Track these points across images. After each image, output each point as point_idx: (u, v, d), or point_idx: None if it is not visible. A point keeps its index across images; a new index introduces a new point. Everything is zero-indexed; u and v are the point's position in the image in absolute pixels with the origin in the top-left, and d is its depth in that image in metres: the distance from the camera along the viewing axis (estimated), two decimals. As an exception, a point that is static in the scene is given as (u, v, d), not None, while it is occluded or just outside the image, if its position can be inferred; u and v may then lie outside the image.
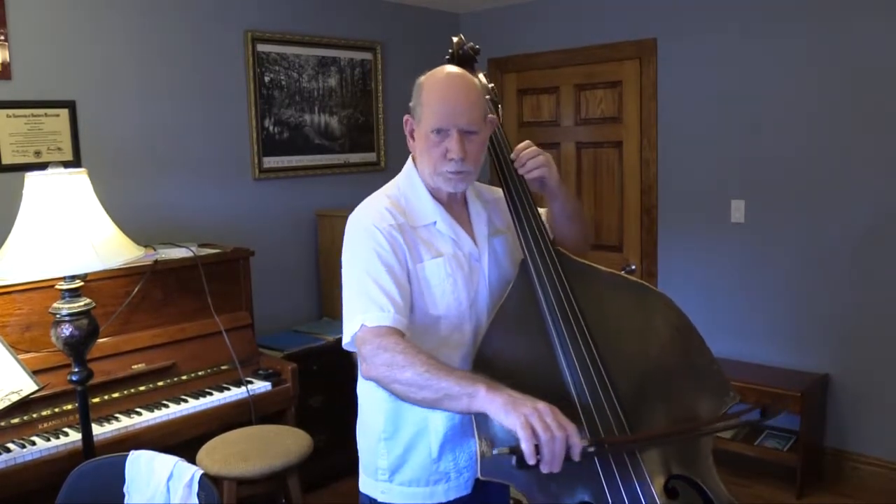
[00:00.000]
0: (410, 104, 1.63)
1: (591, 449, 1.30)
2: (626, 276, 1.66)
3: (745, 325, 3.84)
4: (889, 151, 3.34)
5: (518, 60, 4.62)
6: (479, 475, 1.44)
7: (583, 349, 1.51)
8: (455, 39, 1.92)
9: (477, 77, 1.79)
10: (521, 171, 1.69)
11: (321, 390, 3.51)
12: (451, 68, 1.63)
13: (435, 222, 1.63)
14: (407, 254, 1.56)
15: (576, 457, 1.25)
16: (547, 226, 1.81)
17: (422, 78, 1.63)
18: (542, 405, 1.26)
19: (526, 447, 1.22)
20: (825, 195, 3.54)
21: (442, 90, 1.57)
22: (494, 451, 1.24)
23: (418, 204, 1.63)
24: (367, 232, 1.57)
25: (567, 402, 1.47)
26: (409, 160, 1.70)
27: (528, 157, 1.68)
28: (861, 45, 3.37)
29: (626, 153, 4.24)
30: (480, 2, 4.55)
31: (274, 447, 2.62)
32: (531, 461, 1.22)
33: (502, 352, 1.54)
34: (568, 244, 1.79)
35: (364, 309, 1.48)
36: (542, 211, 1.84)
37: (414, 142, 1.64)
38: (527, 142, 1.74)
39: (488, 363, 1.52)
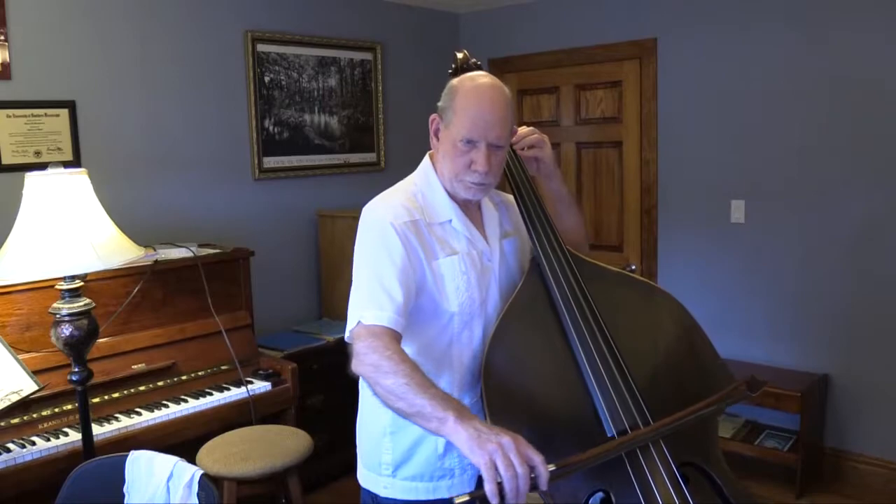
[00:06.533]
0: (439, 104, 1.64)
1: (557, 473, 1.29)
2: (631, 275, 1.71)
3: (745, 325, 3.84)
4: (889, 151, 3.34)
5: (518, 60, 4.62)
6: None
7: (601, 342, 1.54)
8: (460, 56, 1.93)
9: None
10: (516, 147, 1.75)
11: (321, 390, 3.51)
12: (489, 78, 1.63)
13: (450, 220, 1.65)
14: (421, 252, 1.57)
15: (542, 486, 1.24)
16: None
17: (456, 80, 1.64)
18: (506, 439, 1.23)
19: (488, 488, 1.21)
20: (825, 195, 3.53)
21: (478, 101, 1.57)
22: (456, 500, 1.23)
23: (435, 202, 1.65)
24: (380, 228, 1.57)
25: (581, 392, 1.50)
26: (427, 157, 1.71)
27: (521, 136, 1.76)
28: (861, 47, 3.37)
29: (626, 153, 4.24)
30: (480, 2, 4.55)
31: (274, 447, 2.62)
32: (494, 501, 1.21)
33: (515, 346, 1.57)
34: (569, 234, 1.82)
35: (364, 306, 1.50)
36: None
37: (438, 142, 1.65)
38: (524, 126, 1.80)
39: (501, 356, 1.54)
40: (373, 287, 1.52)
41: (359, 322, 1.49)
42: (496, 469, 1.21)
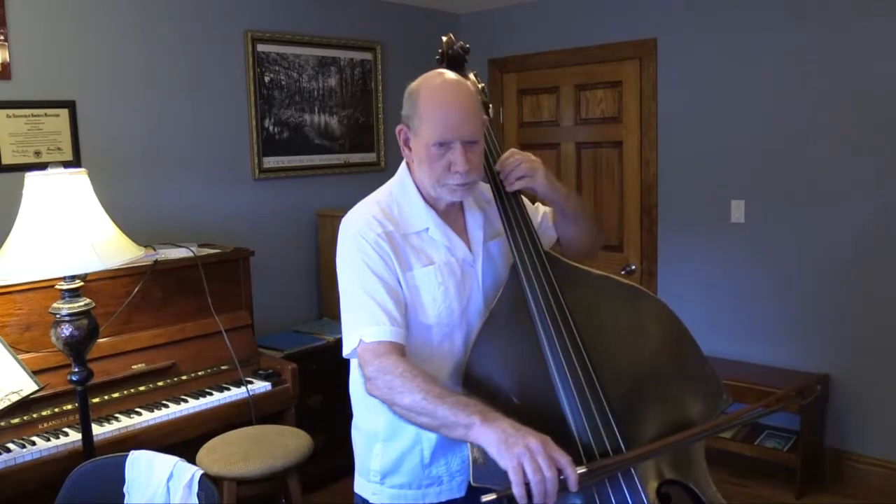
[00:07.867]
0: (403, 112, 1.57)
1: (587, 476, 1.27)
2: (619, 279, 1.62)
3: (745, 325, 3.84)
4: (889, 151, 3.34)
5: (518, 60, 4.62)
6: (471, 482, 1.41)
7: (572, 353, 1.47)
8: (444, 39, 1.87)
9: (468, 78, 1.76)
10: (506, 186, 1.64)
11: (321, 390, 3.51)
12: (447, 75, 1.56)
13: (427, 229, 1.59)
14: (395, 263, 1.53)
15: (572, 487, 1.23)
16: (550, 223, 1.79)
17: (414, 85, 1.56)
18: (533, 442, 1.22)
19: (517, 491, 1.20)
20: (825, 195, 3.53)
21: (442, 101, 1.51)
22: (483, 499, 1.21)
23: (410, 211, 1.59)
24: (354, 242, 1.55)
25: (555, 409, 1.44)
26: (403, 165, 1.65)
27: (510, 168, 1.64)
28: (861, 45, 3.37)
29: (626, 153, 4.23)
30: (480, 2, 4.55)
31: (274, 447, 2.62)
32: (522, 503, 1.21)
33: (493, 356, 1.51)
34: (573, 246, 1.77)
35: (360, 323, 1.48)
36: (547, 210, 1.82)
37: (410, 151, 1.59)
38: (510, 150, 1.68)
39: (479, 368, 1.50)
40: (364, 302, 1.49)
41: (360, 341, 1.46)
42: (524, 472, 1.20)
